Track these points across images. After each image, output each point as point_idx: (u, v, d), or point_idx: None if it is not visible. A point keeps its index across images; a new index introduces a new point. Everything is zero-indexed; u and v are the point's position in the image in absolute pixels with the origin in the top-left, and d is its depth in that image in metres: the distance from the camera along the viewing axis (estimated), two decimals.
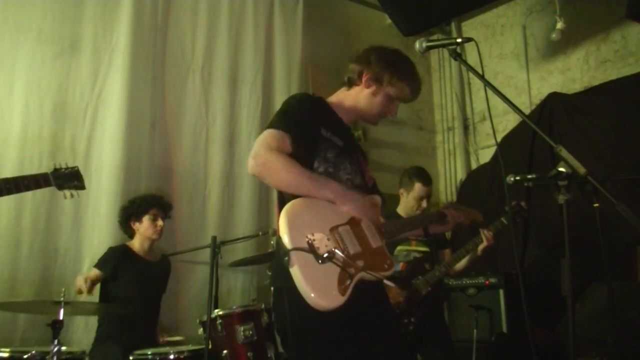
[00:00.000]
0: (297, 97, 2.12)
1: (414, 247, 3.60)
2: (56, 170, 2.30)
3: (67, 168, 2.34)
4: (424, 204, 3.65)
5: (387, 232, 2.11)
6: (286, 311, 1.86)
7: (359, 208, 1.98)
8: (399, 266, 3.60)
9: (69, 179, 2.33)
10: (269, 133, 1.97)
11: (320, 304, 1.76)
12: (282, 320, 1.91)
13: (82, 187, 2.38)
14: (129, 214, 3.62)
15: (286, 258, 1.77)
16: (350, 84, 2.20)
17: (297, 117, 2.01)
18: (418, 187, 3.65)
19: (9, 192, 2.17)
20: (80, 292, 3.17)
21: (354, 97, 2.18)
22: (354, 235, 1.97)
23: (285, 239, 1.80)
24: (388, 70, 2.11)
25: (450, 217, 2.50)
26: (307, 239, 1.82)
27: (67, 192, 2.33)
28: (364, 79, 2.15)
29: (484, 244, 3.37)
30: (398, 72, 2.11)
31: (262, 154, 1.90)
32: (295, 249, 1.78)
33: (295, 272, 1.77)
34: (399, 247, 3.60)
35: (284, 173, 1.90)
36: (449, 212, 2.52)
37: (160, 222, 3.59)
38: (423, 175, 3.69)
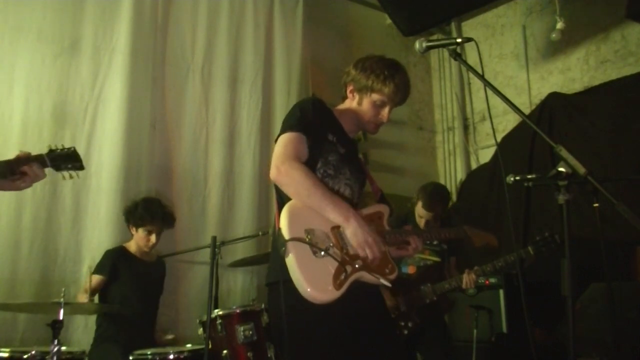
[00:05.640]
0: (310, 100, 2.18)
1: (426, 256, 3.60)
2: (52, 151, 2.25)
3: (63, 149, 2.28)
4: (422, 223, 3.62)
5: (390, 241, 2.11)
6: (281, 305, 1.84)
7: (359, 241, 1.90)
8: (408, 269, 3.60)
9: (65, 159, 2.27)
10: (289, 137, 2.00)
11: (314, 295, 1.77)
12: (278, 317, 1.91)
13: (81, 167, 2.30)
14: (129, 218, 3.61)
15: (283, 248, 1.79)
16: (344, 98, 2.27)
17: (311, 119, 2.05)
18: (419, 205, 3.65)
19: (3, 175, 2.11)
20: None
21: (347, 110, 2.23)
22: None
23: (285, 230, 1.82)
24: (365, 77, 2.15)
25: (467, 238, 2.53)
26: (306, 233, 1.84)
27: (66, 173, 2.28)
28: (348, 92, 2.22)
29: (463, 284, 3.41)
30: (374, 76, 2.14)
31: (284, 162, 1.93)
32: (293, 239, 1.80)
33: (290, 261, 1.79)
34: None
35: (300, 186, 1.92)
36: (470, 231, 2.54)
37: (153, 239, 3.57)
38: (427, 198, 3.60)
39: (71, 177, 2.29)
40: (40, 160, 2.19)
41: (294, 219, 1.86)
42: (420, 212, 3.62)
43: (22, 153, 2.18)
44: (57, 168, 2.25)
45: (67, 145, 2.33)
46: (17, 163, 2.14)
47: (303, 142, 2.00)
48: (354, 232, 1.89)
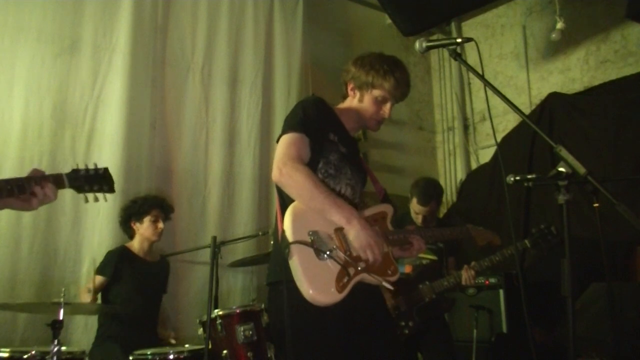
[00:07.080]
0: (312, 99, 2.17)
1: (422, 255, 3.59)
2: (75, 171, 1.99)
3: (91, 169, 2.01)
4: (419, 220, 3.62)
5: (393, 241, 2.12)
6: (283, 304, 1.84)
7: (361, 244, 1.89)
8: (405, 268, 3.60)
9: (92, 181, 2.01)
10: (291, 138, 2.00)
11: (317, 298, 1.77)
12: (278, 316, 1.91)
13: (111, 190, 2.02)
14: (130, 213, 3.62)
15: (287, 250, 1.80)
16: (344, 96, 2.27)
17: (313, 120, 2.05)
18: (414, 202, 3.65)
19: (10, 194, 1.82)
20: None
21: (348, 108, 2.23)
22: None
23: (289, 232, 1.83)
24: (365, 74, 2.15)
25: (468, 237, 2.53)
26: (309, 235, 1.84)
27: (90, 195, 2.01)
28: (349, 90, 2.22)
29: (462, 280, 3.40)
30: (374, 72, 2.14)
31: (286, 163, 1.93)
32: (296, 241, 1.80)
33: (294, 264, 1.79)
34: None
35: (302, 188, 1.91)
36: (473, 230, 2.54)
37: (160, 225, 3.60)
38: (421, 193, 3.61)
39: (96, 200, 2.04)
40: (56, 180, 1.92)
41: (297, 221, 1.86)
42: (416, 209, 3.62)
43: (37, 171, 1.92)
44: (79, 190, 1.99)
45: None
46: (28, 182, 1.86)
47: (305, 142, 2.00)
48: (356, 235, 1.89)
